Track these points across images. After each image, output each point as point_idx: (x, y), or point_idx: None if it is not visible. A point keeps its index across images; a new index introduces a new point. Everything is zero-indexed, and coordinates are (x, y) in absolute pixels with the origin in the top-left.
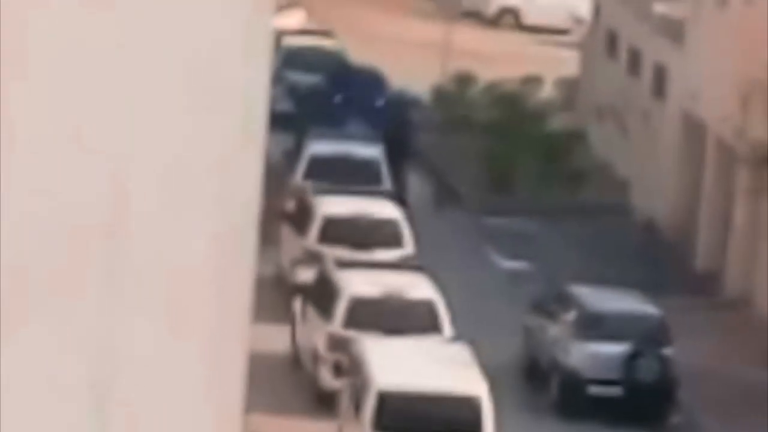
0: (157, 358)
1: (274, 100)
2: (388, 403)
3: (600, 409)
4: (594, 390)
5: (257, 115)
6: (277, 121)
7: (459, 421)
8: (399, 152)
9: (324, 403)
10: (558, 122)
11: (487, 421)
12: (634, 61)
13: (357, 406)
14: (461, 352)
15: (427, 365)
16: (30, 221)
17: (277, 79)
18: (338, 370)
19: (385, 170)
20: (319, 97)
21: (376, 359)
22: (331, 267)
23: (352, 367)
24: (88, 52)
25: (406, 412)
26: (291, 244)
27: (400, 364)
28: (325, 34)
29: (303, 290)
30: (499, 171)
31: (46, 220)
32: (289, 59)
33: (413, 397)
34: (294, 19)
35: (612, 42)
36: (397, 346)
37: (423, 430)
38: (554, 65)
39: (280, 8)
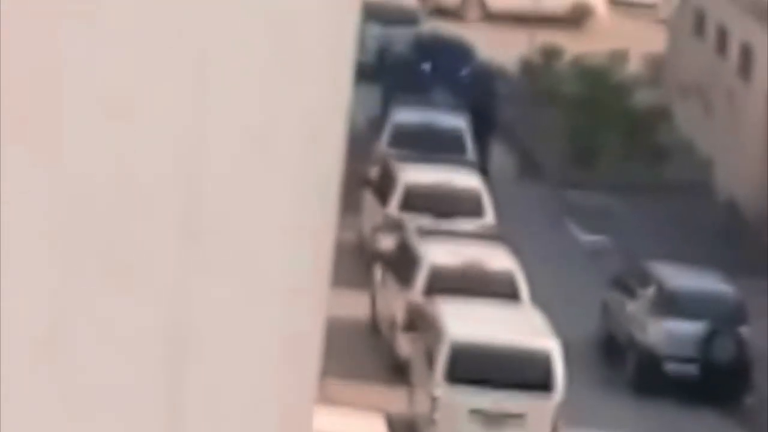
0: (234, 321)
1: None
2: (461, 354)
3: (675, 387)
4: (670, 367)
5: (343, 74)
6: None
7: (530, 375)
8: (483, 123)
9: (400, 370)
10: (643, 98)
11: (557, 376)
12: (722, 39)
13: (429, 361)
14: (533, 315)
15: (499, 322)
16: (107, 181)
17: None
18: (410, 327)
19: (469, 140)
20: (405, 65)
21: (450, 315)
22: (412, 235)
23: (424, 324)
24: (161, 3)
25: (478, 364)
26: (373, 211)
27: (473, 320)
28: None
29: (383, 257)
30: (582, 145)
31: (122, 179)
32: (368, 13)
33: (485, 349)
34: None
35: (700, 20)
36: (470, 305)
37: (495, 382)
38: (641, 41)
39: None
